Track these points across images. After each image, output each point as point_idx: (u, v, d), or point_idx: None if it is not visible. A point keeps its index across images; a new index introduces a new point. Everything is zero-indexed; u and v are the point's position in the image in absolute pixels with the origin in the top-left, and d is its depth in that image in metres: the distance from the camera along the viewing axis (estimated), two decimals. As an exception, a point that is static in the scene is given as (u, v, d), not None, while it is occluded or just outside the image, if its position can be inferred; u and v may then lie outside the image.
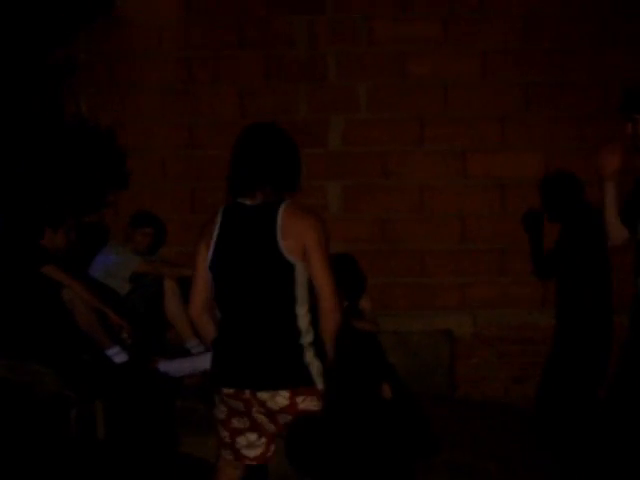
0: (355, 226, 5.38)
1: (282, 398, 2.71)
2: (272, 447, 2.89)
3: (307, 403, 2.74)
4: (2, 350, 4.47)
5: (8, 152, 5.02)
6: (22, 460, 3.68)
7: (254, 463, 2.90)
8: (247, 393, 2.73)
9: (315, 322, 2.78)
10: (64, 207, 5.00)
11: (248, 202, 2.76)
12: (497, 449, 4.27)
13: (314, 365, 2.74)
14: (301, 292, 2.73)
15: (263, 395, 2.71)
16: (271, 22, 5.38)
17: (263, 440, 2.85)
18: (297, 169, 2.84)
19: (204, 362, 4.30)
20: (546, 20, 5.25)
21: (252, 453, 2.86)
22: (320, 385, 2.75)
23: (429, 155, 5.39)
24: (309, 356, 2.73)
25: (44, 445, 3.91)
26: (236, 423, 2.82)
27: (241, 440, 2.84)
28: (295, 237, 2.68)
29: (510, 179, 5.32)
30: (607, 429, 3.67)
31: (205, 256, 2.78)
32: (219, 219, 2.79)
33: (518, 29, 5.26)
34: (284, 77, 5.43)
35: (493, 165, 5.34)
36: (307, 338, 2.74)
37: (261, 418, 2.78)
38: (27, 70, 5.14)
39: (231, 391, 2.77)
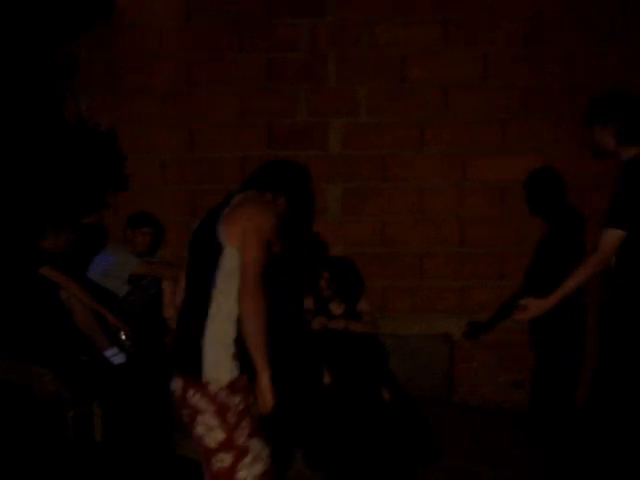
0: (354, 229, 5.37)
1: (176, 385, 2.75)
2: None
3: (195, 399, 2.69)
4: (0, 351, 4.47)
5: (8, 153, 5.02)
6: (19, 461, 3.67)
7: None
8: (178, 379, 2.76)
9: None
10: (65, 209, 5.01)
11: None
12: (493, 454, 4.27)
13: (211, 357, 2.66)
14: (223, 278, 2.69)
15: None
16: (272, 25, 5.37)
17: None
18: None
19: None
20: (547, 23, 5.24)
21: None
22: (214, 382, 2.65)
23: (429, 158, 5.38)
24: (209, 346, 2.66)
25: (41, 446, 3.91)
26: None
27: None
28: (233, 222, 2.72)
29: (510, 183, 5.30)
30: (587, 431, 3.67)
31: None
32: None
33: (519, 32, 5.25)
34: (284, 80, 5.42)
35: (493, 169, 5.33)
36: (217, 327, 2.67)
37: None
38: (27, 70, 5.14)
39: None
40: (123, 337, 4.78)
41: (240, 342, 2.66)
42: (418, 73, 5.33)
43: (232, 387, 2.67)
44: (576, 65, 5.24)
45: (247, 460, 2.68)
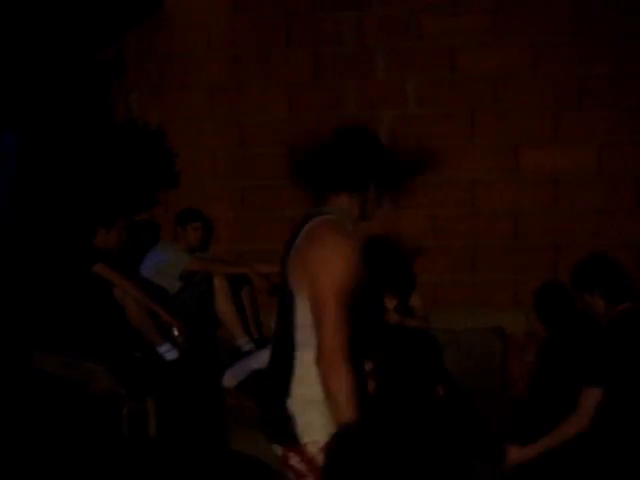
0: (405, 222, 5.31)
1: (276, 451, 2.41)
2: None
3: (296, 463, 2.35)
4: (57, 347, 4.54)
5: (62, 152, 5.09)
6: (75, 456, 3.72)
7: None
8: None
9: None
10: (116, 206, 5.06)
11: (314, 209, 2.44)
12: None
13: (304, 420, 2.29)
14: (303, 332, 2.26)
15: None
16: (318, 19, 5.35)
17: None
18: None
19: (257, 361, 4.32)
20: (597, 9, 5.12)
21: None
22: (311, 445, 2.27)
23: (480, 150, 5.31)
24: (300, 409, 2.29)
25: (97, 441, 3.95)
26: None
27: None
28: (301, 266, 2.24)
29: (563, 173, 5.21)
30: None
31: None
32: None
33: (569, 20, 5.14)
34: (332, 74, 5.40)
35: (546, 159, 5.23)
36: (305, 390, 2.27)
37: None
38: (78, 70, 5.21)
39: None
40: (176, 333, 4.81)
41: None
42: (467, 63, 5.25)
43: None
44: (630, 52, 5.10)
45: None
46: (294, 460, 2.34)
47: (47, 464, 3.53)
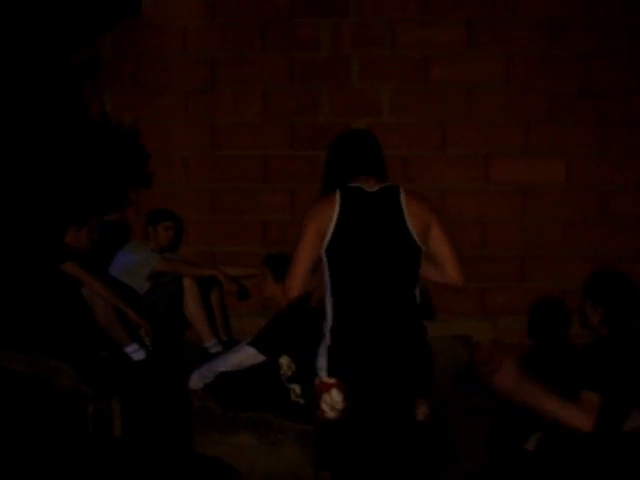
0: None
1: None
2: None
3: None
4: (21, 345, 4.52)
5: (32, 150, 5.07)
6: (38, 455, 3.70)
7: None
8: None
9: None
10: (87, 205, 5.05)
11: (365, 187, 2.86)
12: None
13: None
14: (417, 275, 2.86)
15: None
16: (295, 25, 5.38)
17: None
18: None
19: (224, 363, 4.33)
20: (571, 26, 5.21)
21: None
22: None
23: (451, 160, 5.37)
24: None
25: (60, 440, 3.94)
26: None
27: None
28: (421, 220, 2.82)
29: (532, 185, 5.29)
30: None
31: (315, 239, 2.80)
32: (337, 203, 2.80)
33: (542, 34, 5.22)
34: (307, 80, 5.43)
35: (515, 171, 5.31)
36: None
37: None
38: (52, 69, 5.19)
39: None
40: (143, 334, 4.81)
41: None
42: (441, 74, 5.31)
43: None
44: (600, 68, 5.20)
45: None
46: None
47: (9, 462, 3.51)
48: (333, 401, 2.88)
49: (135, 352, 4.72)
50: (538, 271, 5.30)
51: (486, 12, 5.24)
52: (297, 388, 4.18)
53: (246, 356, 4.21)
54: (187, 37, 5.49)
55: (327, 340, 2.85)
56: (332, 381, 2.85)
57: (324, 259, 2.82)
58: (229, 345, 4.94)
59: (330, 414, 2.89)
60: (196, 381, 4.39)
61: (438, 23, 5.28)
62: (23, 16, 4.76)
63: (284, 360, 4.19)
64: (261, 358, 4.18)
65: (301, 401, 4.14)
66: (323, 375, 2.87)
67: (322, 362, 2.88)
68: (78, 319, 4.64)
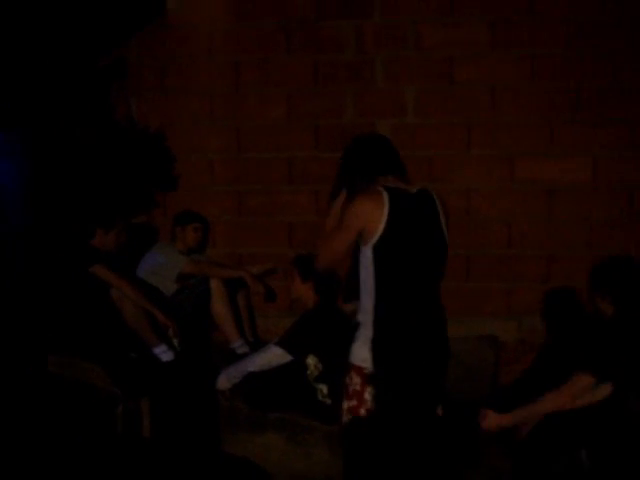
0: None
1: None
2: None
3: None
4: (52, 347, 4.57)
5: (60, 154, 5.12)
6: (69, 454, 3.75)
7: None
8: None
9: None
10: (115, 208, 5.09)
11: (405, 188, 2.98)
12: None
13: None
14: None
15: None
16: (319, 26, 5.40)
17: None
18: None
19: (251, 364, 4.35)
20: (595, 24, 5.16)
21: None
22: None
23: (476, 160, 5.35)
24: None
25: (90, 439, 3.98)
26: None
27: None
28: (446, 221, 3.06)
29: (558, 184, 5.26)
30: None
31: (358, 233, 2.90)
32: (386, 203, 2.87)
33: (567, 33, 5.18)
34: (332, 81, 5.44)
35: (541, 170, 5.28)
36: None
37: None
38: (79, 73, 5.25)
39: None
40: (171, 335, 4.84)
41: None
42: (465, 74, 5.30)
43: None
44: (624, 66, 5.16)
45: None
46: None
47: (42, 462, 3.56)
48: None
49: (163, 353, 4.75)
50: (564, 271, 5.27)
51: (510, 12, 5.22)
52: (324, 388, 4.19)
53: (273, 356, 4.24)
54: (212, 40, 5.52)
55: (369, 332, 2.92)
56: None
57: (369, 255, 2.90)
58: (256, 346, 4.97)
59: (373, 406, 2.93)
60: (224, 382, 4.42)
61: (462, 23, 5.26)
62: (51, 21, 4.81)
63: (311, 360, 4.21)
64: (288, 358, 4.20)
65: (328, 401, 4.15)
66: (367, 366, 2.92)
67: (363, 353, 2.94)
68: (107, 321, 4.68)
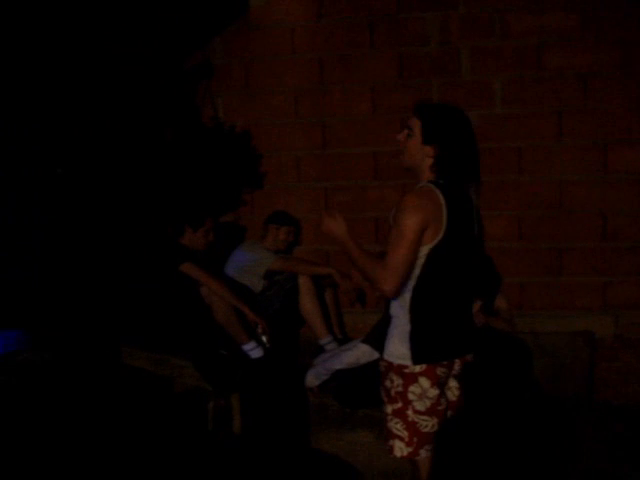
0: (490, 224, 5.24)
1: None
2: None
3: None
4: (144, 344, 4.66)
5: (149, 155, 5.22)
6: (160, 451, 3.80)
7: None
8: (457, 362, 2.96)
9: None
10: (203, 208, 5.16)
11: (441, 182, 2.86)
12: (635, 455, 4.08)
13: None
14: None
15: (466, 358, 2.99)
16: (402, 19, 5.35)
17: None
18: None
19: (340, 361, 4.34)
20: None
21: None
22: None
23: (568, 149, 5.20)
24: None
25: (181, 436, 4.04)
26: (441, 405, 2.92)
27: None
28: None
29: (655, 173, 5.07)
30: None
31: (421, 236, 2.75)
32: (442, 201, 2.78)
33: (662, 15, 4.99)
34: (417, 74, 5.38)
35: (636, 159, 5.10)
36: None
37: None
38: (166, 74, 5.34)
39: (444, 364, 2.89)
40: (260, 332, 4.87)
41: None
42: (555, 62, 5.15)
43: None
44: None
45: None
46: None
47: (133, 459, 3.62)
48: (423, 390, 2.84)
49: (253, 350, 4.78)
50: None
51: (599, -4, 5.05)
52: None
53: (361, 353, 4.22)
54: (295, 37, 5.54)
55: (406, 326, 2.85)
56: (418, 369, 2.83)
57: (422, 253, 2.78)
58: (343, 343, 4.95)
59: (420, 406, 2.85)
60: (312, 379, 4.42)
61: (549, 9, 5.12)
62: (140, 24, 4.90)
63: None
64: (376, 355, 4.15)
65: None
66: (408, 364, 2.85)
67: (401, 349, 2.87)
68: (197, 318, 4.74)
